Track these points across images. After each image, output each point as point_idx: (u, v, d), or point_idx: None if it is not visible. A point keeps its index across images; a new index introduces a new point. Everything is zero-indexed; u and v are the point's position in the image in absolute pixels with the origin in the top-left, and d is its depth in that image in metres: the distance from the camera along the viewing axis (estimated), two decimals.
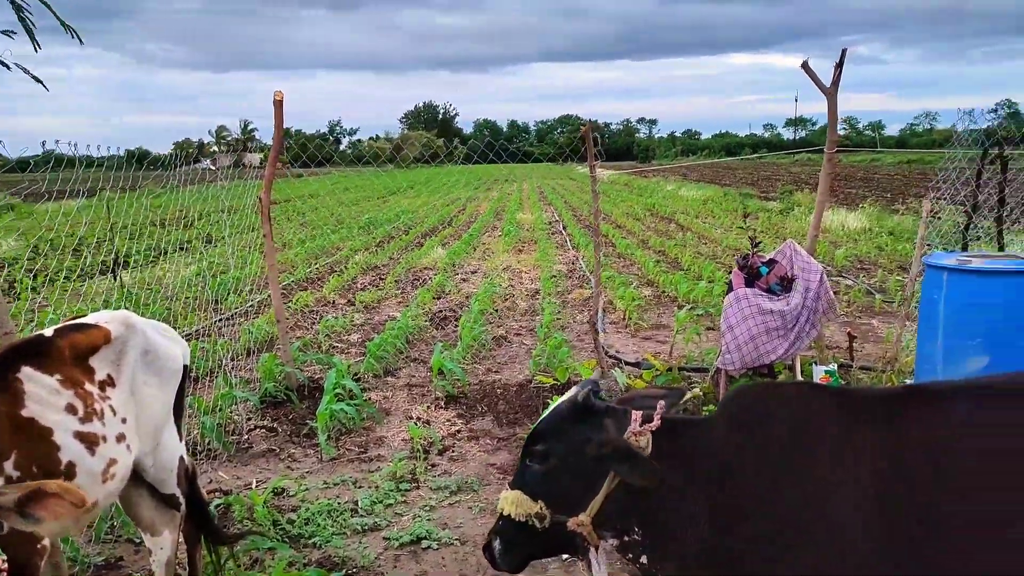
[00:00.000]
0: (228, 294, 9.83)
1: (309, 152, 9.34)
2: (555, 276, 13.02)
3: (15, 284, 11.51)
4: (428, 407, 6.81)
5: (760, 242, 6.70)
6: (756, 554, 2.16)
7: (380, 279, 13.40)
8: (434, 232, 19.85)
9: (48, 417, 2.76)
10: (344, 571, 4.21)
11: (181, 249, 13.56)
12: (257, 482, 5.41)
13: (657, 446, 2.30)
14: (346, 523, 4.75)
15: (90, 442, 2.86)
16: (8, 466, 2.60)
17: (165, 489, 3.42)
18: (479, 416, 6.59)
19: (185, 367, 3.48)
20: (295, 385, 7.07)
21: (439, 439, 5.95)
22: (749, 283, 6.29)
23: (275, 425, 6.41)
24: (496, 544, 2.43)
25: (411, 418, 6.57)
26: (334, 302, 11.59)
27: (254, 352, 8.10)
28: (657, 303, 10.91)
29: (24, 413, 2.69)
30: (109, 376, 3.07)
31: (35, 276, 10.53)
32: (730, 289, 6.37)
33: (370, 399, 6.96)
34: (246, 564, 4.23)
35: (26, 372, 2.80)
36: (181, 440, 3.50)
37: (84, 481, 2.83)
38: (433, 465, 5.62)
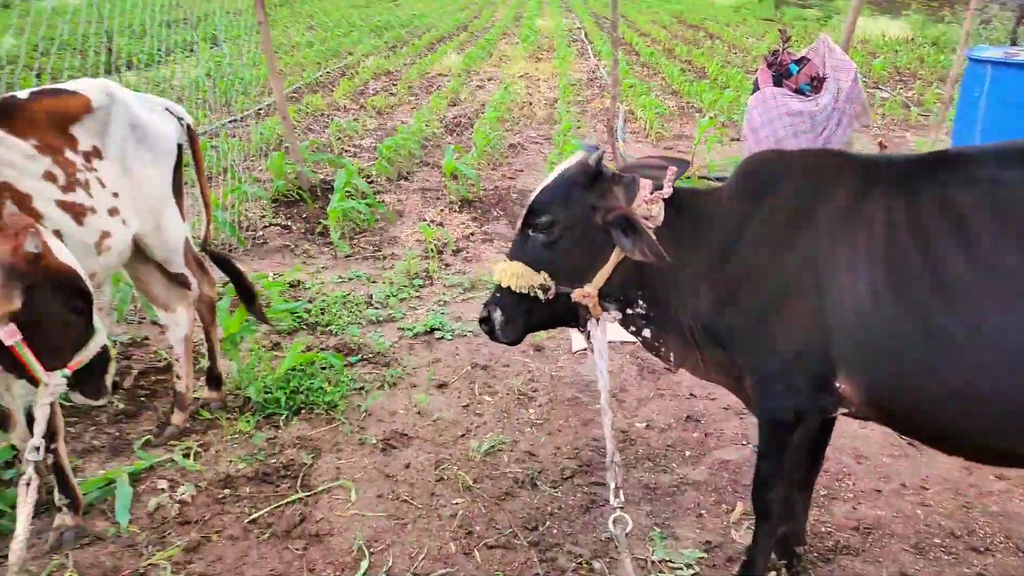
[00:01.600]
0: (238, 96, 9.52)
1: None
2: (574, 84, 12.46)
3: (13, 86, 11.17)
4: (442, 210, 6.76)
5: (791, 36, 6.23)
6: (752, 326, 2.13)
7: (393, 84, 12.90)
8: (449, 37, 18.84)
9: (24, 183, 2.67)
10: (360, 356, 4.35)
11: (190, 52, 12.98)
12: (274, 275, 5.48)
13: (665, 216, 2.22)
14: (361, 314, 4.86)
15: (76, 212, 2.80)
16: None
17: (173, 268, 3.44)
18: (493, 220, 6.55)
19: (180, 145, 3.36)
20: (307, 185, 7.00)
21: (453, 240, 5.95)
22: (777, 82, 5.93)
23: (289, 223, 6.42)
24: (496, 316, 2.37)
25: (424, 220, 6.54)
26: (345, 107, 11.23)
27: (266, 154, 7.95)
28: (680, 113, 10.49)
29: None
30: (95, 148, 2.96)
31: (39, 76, 10.18)
32: (756, 89, 6.02)
33: (383, 201, 6.90)
34: (265, 347, 4.38)
35: None
36: (184, 220, 3.47)
37: (76, 252, 2.81)
38: (447, 264, 5.66)
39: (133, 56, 11.55)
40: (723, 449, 3.48)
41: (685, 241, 2.23)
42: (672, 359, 2.39)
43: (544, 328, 2.53)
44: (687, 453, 3.46)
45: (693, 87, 11.48)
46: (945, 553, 2.80)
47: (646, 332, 2.39)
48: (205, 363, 3.92)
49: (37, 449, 2.28)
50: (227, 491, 3.27)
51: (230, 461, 3.45)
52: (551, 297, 2.28)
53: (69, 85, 3.03)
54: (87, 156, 2.91)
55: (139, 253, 3.28)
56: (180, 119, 3.40)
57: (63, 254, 2.34)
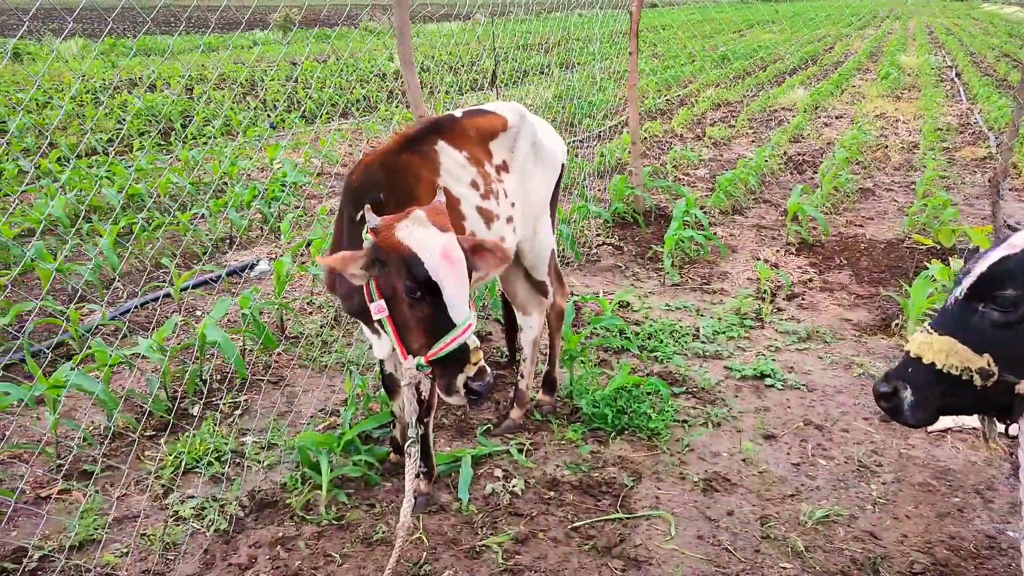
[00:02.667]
0: (583, 118, 10.08)
1: None
2: (941, 129, 11.12)
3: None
4: (778, 251, 6.44)
5: None
6: None
7: (732, 116, 12.67)
8: (795, 71, 18.02)
9: (457, 189, 3.06)
10: (684, 388, 4.30)
11: (540, 73, 14.09)
12: (604, 292, 5.69)
13: None
14: (687, 345, 4.81)
15: (487, 218, 3.15)
16: None
17: (538, 275, 3.70)
18: (835, 269, 6.07)
19: (563, 164, 3.62)
20: (642, 209, 7.14)
21: (789, 283, 5.63)
22: None
23: (622, 244, 6.60)
24: (907, 394, 2.07)
25: (758, 259, 6.29)
26: (682, 135, 11.29)
27: (606, 174, 8.30)
28: None
29: (440, 182, 3.01)
30: (504, 162, 3.30)
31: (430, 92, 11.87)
32: None
33: (716, 234, 6.78)
34: (594, 361, 4.53)
35: (441, 146, 3.10)
36: (554, 233, 3.72)
37: None
38: (779, 309, 5.37)
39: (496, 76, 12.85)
40: None
41: None
42: None
43: (962, 413, 2.21)
44: None
45: None
46: None
47: None
48: (541, 368, 4.17)
49: (416, 425, 2.58)
50: (552, 493, 3.43)
51: (557, 465, 3.62)
52: (988, 384, 1.97)
53: (489, 107, 3.43)
54: (498, 169, 3.27)
55: (515, 257, 3.60)
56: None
57: (441, 250, 2.31)
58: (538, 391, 4.11)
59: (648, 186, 7.50)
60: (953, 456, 3.67)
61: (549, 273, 3.74)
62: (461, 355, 2.31)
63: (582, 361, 4.19)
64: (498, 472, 3.56)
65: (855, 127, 10.95)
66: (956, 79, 16.35)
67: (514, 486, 3.45)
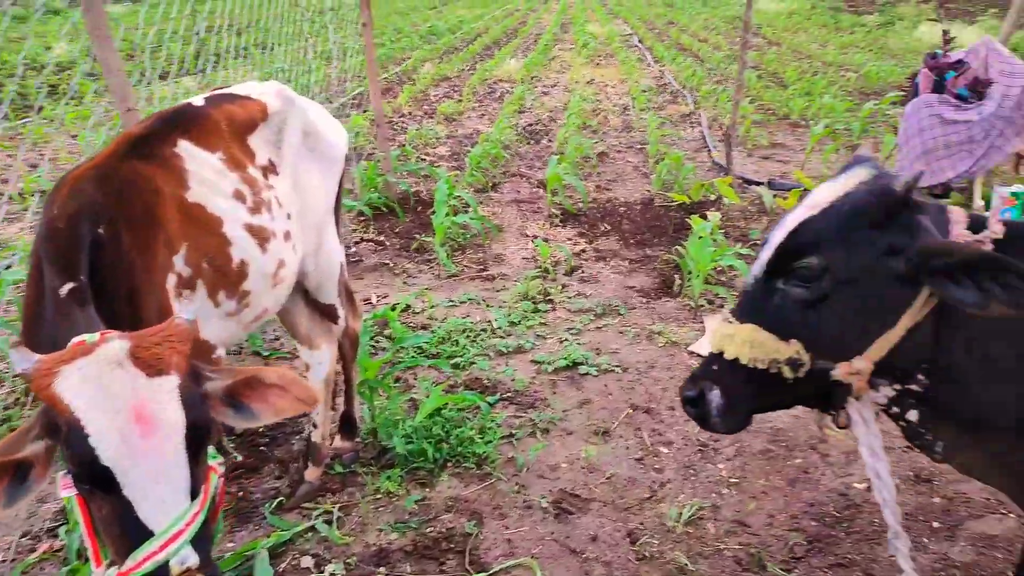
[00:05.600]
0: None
1: None
2: (645, 91, 11.88)
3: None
4: (544, 224, 6.21)
5: (953, 37, 5.62)
6: None
7: (455, 91, 12.41)
8: (501, 43, 18.36)
9: (216, 204, 2.19)
10: (498, 395, 3.80)
11: (239, 56, 12.57)
12: (377, 298, 4.97)
13: None
14: (486, 343, 4.32)
15: (261, 238, 2.31)
16: (179, 262, 2.06)
17: (325, 298, 2.92)
18: (602, 235, 5.99)
19: (346, 156, 2.86)
20: (396, 196, 6.49)
21: (570, 256, 5.38)
22: (939, 88, 5.32)
23: (383, 238, 5.90)
24: (714, 397, 1.72)
25: (527, 235, 6.00)
26: (411, 113, 10.75)
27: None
28: (766, 121, 9.85)
29: (190, 197, 2.12)
30: (271, 161, 2.47)
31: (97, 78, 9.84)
32: (915, 94, 5.41)
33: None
34: (393, 386, 3.84)
35: (184, 147, 2.19)
36: (341, 242, 2.95)
37: (256, 285, 2.31)
38: (564, 286, 5.10)
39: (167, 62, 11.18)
40: (979, 520, 2.87)
41: None
42: (938, 449, 1.79)
43: (777, 409, 1.87)
44: (935, 524, 2.86)
45: (774, 94, 10.86)
46: None
47: (912, 415, 1.75)
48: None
49: None
50: (383, 570, 2.73)
51: (380, 530, 2.91)
52: (800, 375, 1.65)
53: (240, 89, 2.54)
54: (265, 171, 2.42)
55: None
56: None
57: None
58: (335, 438, 3.33)
59: (398, 170, 6.85)
60: (779, 414, 3.61)
61: (339, 293, 2.97)
62: None
63: (384, 390, 3.48)
64: (306, 560, 2.76)
65: (574, 94, 11.27)
66: (640, 45, 17.83)
67: (332, 573, 2.69)
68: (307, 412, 1.65)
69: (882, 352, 1.63)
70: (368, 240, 5.86)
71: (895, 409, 1.76)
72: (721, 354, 1.71)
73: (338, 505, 3.03)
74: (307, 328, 2.96)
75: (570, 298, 4.90)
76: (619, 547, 2.79)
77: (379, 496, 3.08)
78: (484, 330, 4.47)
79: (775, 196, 6.09)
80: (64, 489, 1.48)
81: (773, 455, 3.32)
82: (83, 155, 7.25)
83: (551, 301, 4.85)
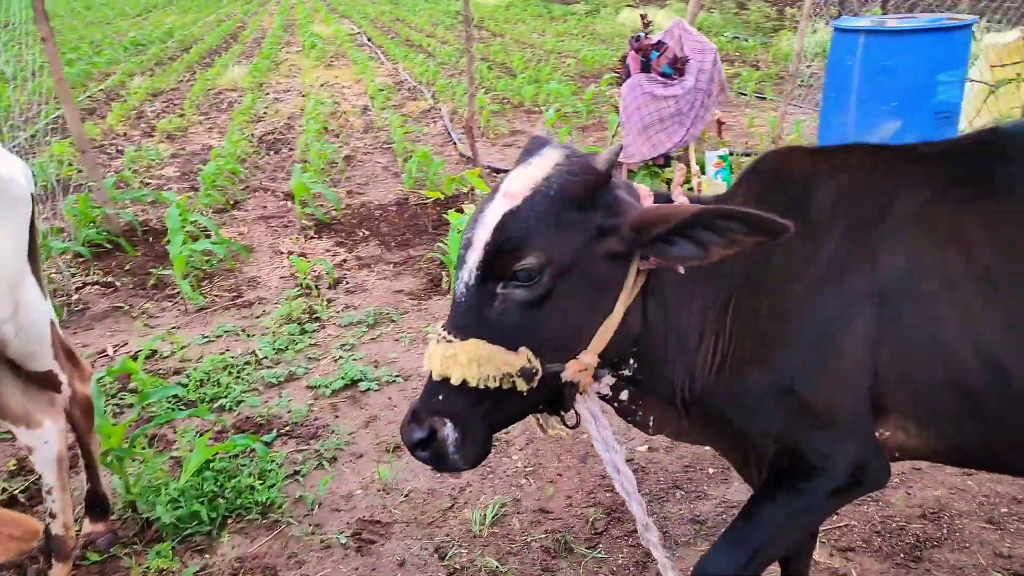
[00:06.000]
0: None
1: None
2: (382, 90, 11.76)
3: None
4: (298, 238, 5.86)
5: (651, 20, 6.15)
6: (785, 388, 1.63)
7: (174, 104, 11.34)
8: (220, 50, 17.14)
9: None
10: (275, 432, 3.49)
11: None
12: (113, 348, 4.35)
13: None
14: (252, 377, 3.96)
15: None
16: None
17: (38, 366, 2.44)
18: (362, 242, 5.79)
19: (32, 196, 2.39)
20: (120, 229, 5.75)
21: (330, 269, 5.12)
22: (645, 67, 5.80)
23: (111, 279, 5.18)
24: (447, 433, 1.52)
25: (281, 252, 5.63)
26: (126, 134, 9.63)
27: (49, 198, 6.45)
28: (503, 110, 10.21)
29: None
30: None
31: None
32: (628, 75, 5.85)
33: (224, 236, 5.84)
34: (146, 446, 3.36)
35: None
36: (46, 297, 2.47)
37: None
38: (330, 301, 4.85)
39: None
40: None
41: (693, 274, 1.62)
42: (650, 424, 1.81)
43: (507, 426, 1.68)
44: (711, 471, 3.10)
45: (506, 83, 11.29)
46: (1019, 520, 2.69)
47: (624, 395, 1.75)
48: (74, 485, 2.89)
49: None
50: None
51: None
52: (534, 385, 1.51)
53: None
54: None
55: None
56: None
57: None
58: (83, 522, 2.83)
59: (118, 200, 6.06)
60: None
61: (56, 356, 2.49)
62: None
63: (137, 455, 3.02)
64: None
65: (309, 99, 10.82)
66: (370, 43, 17.65)
67: None
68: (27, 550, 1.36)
69: (605, 341, 1.58)
70: (93, 284, 5.11)
71: (608, 394, 1.76)
72: (446, 380, 1.49)
73: None
74: (21, 405, 2.45)
75: (338, 312, 4.67)
76: (428, 566, 2.68)
77: None
78: (248, 363, 4.10)
79: None
80: None
81: (559, 436, 3.41)
82: None
83: (318, 319, 4.58)
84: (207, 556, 2.77)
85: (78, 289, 5.03)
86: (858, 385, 1.60)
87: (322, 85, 12.52)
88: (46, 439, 2.52)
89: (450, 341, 1.49)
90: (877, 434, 1.67)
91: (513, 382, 1.48)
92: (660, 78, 5.83)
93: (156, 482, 3.01)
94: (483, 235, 1.47)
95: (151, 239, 5.79)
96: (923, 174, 1.64)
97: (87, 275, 5.24)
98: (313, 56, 15.29)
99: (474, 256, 1.48)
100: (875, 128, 4.81)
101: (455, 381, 1.48)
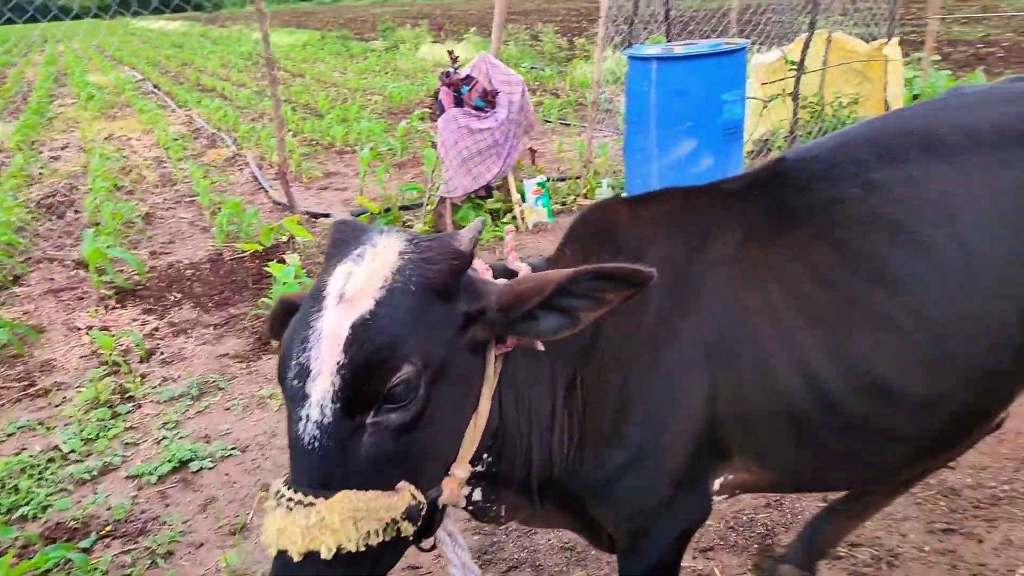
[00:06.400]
0: None
1: None
2: (177, 139, 11.01)
3: None
4: (96, 311, 5.27)
5: (458, 56, 6.24)
6: (635, 462, 1.59)
7: None
8: None
9: None
10: (94, 535, 3.07)
11: None
12: None
13: None
14: (60, 476, 3.47)
15: None
16: None
17: None
18: (174, 306, 5.31)
19: None
20: None
21: (140, 340, 4.64)
22: (458, 102, 5.87)
23: None
24: None
25: (78, 329, 5.03)
26: None
27: None
28: (314, 152, 9.92)
29: None
30: None
31: None
32: (441, 111, 5.89)
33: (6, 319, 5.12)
34: None
35: None
36: None
37: None
38: (143, 376, 4.39)
39: None
40: None
41: (538, 353, 1.49)
42: (503, 514, 1.69)
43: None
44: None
45: (313, 124, 11.00)
46: None
47: (476, 494, 1.59)
48: None
49: None
50: None
51: None
52: (419, 522, 1.29)
53: None
54: None
55: None
56: None
57: None
58: None
59: None
60: None
61: None
62: None
63: None
64: None
65: (93, 154, 9.87)
66: (156, 91, 16.52)
67: None
68: None
69: (475, 445, 1.40)
70: None
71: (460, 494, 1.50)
72: (314, 555, 1.17)
73: None
74: None
75: (155, 388, 4.23)
76: None
77: None
78: (52, 460, 3.60)
79: None
80: None
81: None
82: None
83: (132, 398, 4.13)
84: None
85: None
86: (701, 436, 1.59)
87: (106, 138, 11.49)
88: None
89: (310, 504, 1.16)
90: (721, 478, 1.69)
91: (397, 528, 1.23)
92: (474, 111, 5.93)
93: None
94: (329, 357, 1.18)
95: None
96: (733, 213, 1.66)
97: None
98: (92, 107, 14.03)
99: (322, 386, 1.18)
100: (674, 147, 5.19)
101: (327, 554, 1.15)
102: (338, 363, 1.18)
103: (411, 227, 6.41)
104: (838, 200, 1.63)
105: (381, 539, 1.20)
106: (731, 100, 5.12)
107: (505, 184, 6.35)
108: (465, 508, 1.61)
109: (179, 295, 5.48)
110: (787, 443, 1.63)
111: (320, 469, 1.19)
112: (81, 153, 10.63)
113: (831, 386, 1.56)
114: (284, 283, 4.67)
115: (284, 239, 6.14)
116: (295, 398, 1.21)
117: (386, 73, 16.96)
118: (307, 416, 1.19)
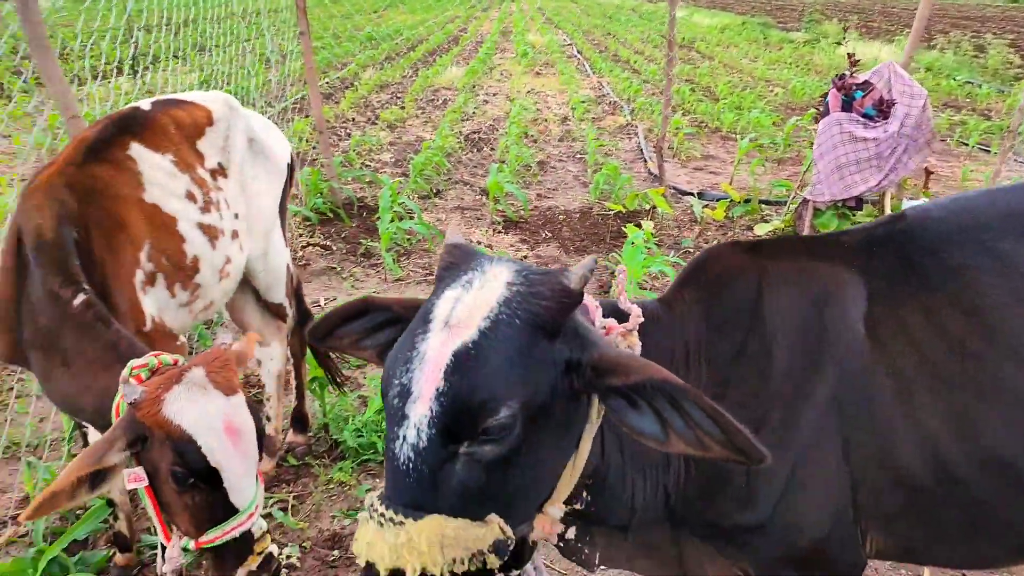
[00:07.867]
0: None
1: None
2: (584, 102, 12.27)
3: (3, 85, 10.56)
4: (487, 231, 6.43)
5: (859, 59, 6.08)
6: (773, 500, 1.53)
7: (397, 97, 12.55)
8: (442, 51, 18.57)
9: (171, 205, 2.35)
10: None
11: (175, 57, 12.42)
12: (325, 300, 5.11)
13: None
14: None
15: (212, 235, 2.49)
16: (143, 258, 2.22)
17: (273, 297, 3.08)
18: (543, 242, 6.25)
19: (290, 166, 3.03)
20: (341, 202, 6.62)
21: None
22: (846, 106, 5.76)
23: (329, 243, 6.03)
24: None
25: (471, 241, 6.21)
26: (354, 119, 10.85)
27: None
28: (698, 133, 10.33)
29: (147, 198, 2.27)
30: (220, 165, 2.63)
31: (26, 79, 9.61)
32: (826, 112, 5.85)
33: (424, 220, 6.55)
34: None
35: (137, 150, 2.34)
36: (287, 245, 3.11)
37: (207, 278, 2.48)
38: None
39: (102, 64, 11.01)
40: None
41: None
42: (596, 559, 1.66)
43: None
44: None
45: (706, 107, 11.37)
46: None
47: (570, 532, 1.59)
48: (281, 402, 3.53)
49: None
50: (336, 553, 2.90)
51: (333, 516, 3.08)
52: (507, 556, 1.25)
53: (185, 96, 2.69)
54: (214, 174, 2.57)
55: (242, 278, 2.93)
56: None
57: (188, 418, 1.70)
58: (288, 431, 3.48)
59: (342, 176, 6.97)
60: None
61: (287, 293, 3.13)
62: (243, 546, 1.79)
63: (334, 388, 3.64)
64: None
65: (515, 104, 11.55)
66: (579, 56, 18.30)
67: (288, 556, 2.84)
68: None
69: (571, 485, 1.37)
70: (315, 245, 5.98)
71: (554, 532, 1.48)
72: (398, 572, 1.19)
73: (292, 494, 3.18)
74: (258, 326, 3.12)
75: None
76: None
77: (332, 486, 3.24)
78: None
79: (704, 207, 6.46)
80: (132, 482, 1.73)
81: None
82: (18, 157, 7.13)
83: None
84: (378, 480, 3.29)
85: (303, 248, 5.91)
86: (842, 499, 1.56)
87: (528, 92, 13.25)
88: (272, 356, 3.17)
89: (400, 523, 1.17)
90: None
91: (483, 560, 1.20)
92: (861, 119, 5.77)
93: (345, 413, 3.60)
94: (430, 382, 1.17)
95: (364, 214, 6.61)
96: (857, 269, 1.62)
97: (311, 237, 6.12)
98: (524, 63, 16.15)
99: (420, 410, 1.17)
100: None
101: (412, 574, 1.18)
102: (438, 390, 1.16)
103: (769, 221, 6.51)
104: (968, 267, 1.57)
105: (466, 568, 1.19)
106: None
107: (881, 201, 6.07)
108: (556, 545, 1.61)
109: (549, 234, 6.41)
110: (900, 512, 1.59)
111: (412, 490, 1.19)
112: (507, 101, 12.45)
113: (955, 460, 1.52)
114: (633, 244, 5.22)
115: (647, 207, 6.71)
116: (394, 417, 1.20)
117: (797, 66, 16.50)
118: (404, 436, 1.18)
